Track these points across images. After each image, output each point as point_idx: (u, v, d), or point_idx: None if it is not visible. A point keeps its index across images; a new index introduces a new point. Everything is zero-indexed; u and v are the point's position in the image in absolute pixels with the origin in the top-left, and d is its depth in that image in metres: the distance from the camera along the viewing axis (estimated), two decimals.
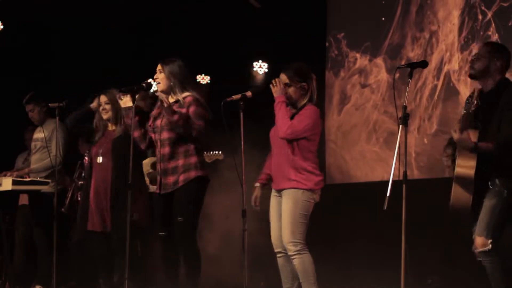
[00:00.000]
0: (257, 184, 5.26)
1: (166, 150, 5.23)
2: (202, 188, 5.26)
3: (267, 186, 5.26)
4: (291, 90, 5.08)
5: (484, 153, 4.51)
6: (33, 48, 8.78)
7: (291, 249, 4.96)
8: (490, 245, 4.49)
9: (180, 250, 5.22)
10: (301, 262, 4.96)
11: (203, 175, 5.23)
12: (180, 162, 5.20)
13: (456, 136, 4.54)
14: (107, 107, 6.00)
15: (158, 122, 5.27)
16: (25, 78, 8.52)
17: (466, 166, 4.57)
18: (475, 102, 4.60)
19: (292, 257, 4.98)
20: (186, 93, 5.26)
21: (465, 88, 7.18)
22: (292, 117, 5.06)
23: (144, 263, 6.32)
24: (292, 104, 5.11)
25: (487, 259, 4.53)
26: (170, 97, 5.27)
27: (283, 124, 4.96)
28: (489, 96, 4.67)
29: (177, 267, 5.32)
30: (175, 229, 5.19)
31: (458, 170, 4.60)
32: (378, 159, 8.01)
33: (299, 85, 5.07)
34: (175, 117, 5.05)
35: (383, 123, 8.02)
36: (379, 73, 8.12)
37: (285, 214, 4.99)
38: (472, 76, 4.75)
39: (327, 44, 8.63)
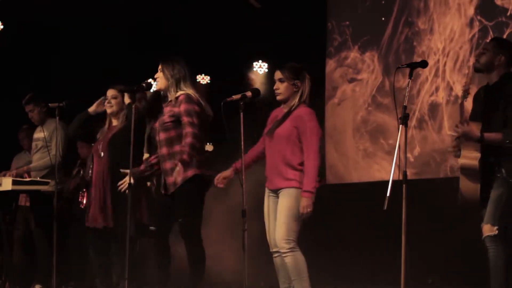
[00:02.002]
0: (232, 168, 5.23)
1: (164, 150, 5.26)
2: (201, 187, 5.25)
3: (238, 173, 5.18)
4: (283, 86, 5.10)
5: (492, 143, 4.60)
6: (33, 48, 8.78)
7: (284, 246, 4.97)
8: (497, 231, 4.54)
9: (186, 250, 5.25)
10: (294, 259, 4.97)
11: (201, 174, 5.22)
12: (178, 162, 5.21)
13: (460, 129, 4.63)
14: (113, 101, 5.99)
15: (156, 123, 5.31)
16: (25, 78, 8.52)
17: (470, 157, 4.71)
18: (468, 92, 4.71)
19: (285, 255, 4.98)
20: (180, 92, 5.27)
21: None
22: (284, 117, 5.06)
23: (142, 262, 6.34)
24: (284, 101, 5.13)
25: (492, 246, 4.60)
26: (168, 96, 5.30)
27: (314, 172, 4.96)
28: (493, 89, 4.77)
29: (169, 263, 5.33)
30: (179, 230, 5.22)
31: (463, 161, 4.74)
32: (371, 156, 8.03)
33: (292, 82, 5.09)
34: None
35: (375, 120, 8.04)
36: (374, 71, 8.14)
37: (281, 212, 5.01)
38: (477, 69, 4.86)
39: (329, 26, 8.63)
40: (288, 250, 4.97)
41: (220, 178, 5.22)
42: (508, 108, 4.62)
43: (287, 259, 4.98)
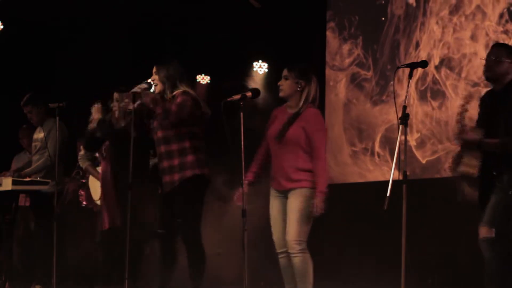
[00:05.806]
0: (245, 182, 5.13)
1: (162, 149, 5.25)
2: (200, 187, 5.24)
3: (254, 184, 5.20)
4: (287, 83, 5.09)
5: (489, 148, 4.62)
6: (33, 48, 8.78)
7: (295, 247, 4.94)
8: (494, 235, 4.54)
9: (186, 250, 5.24)
10: (303, 261, 4.95)
11: (200, 174, 5.22)
12: (176, 161, 5.20)
13: (460, 136, 4.70)
14: (114, 105, 6.00)
15: (155, 122, 5.30)
16: (25, 78, 8.52)
17: (469, 165, 4.73)
18: (465, 112, 4.77)
19: (294, 256, 4.95)
20: (177, 90, 5.27)
21: (453, 92, 7.23)
22: (292, 119, 5.04)
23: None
24: (286, 98, 5.11)
25: (488, 249, 4.58)
26: (164, 98, 5.30)
27: (325, 172, 4.99)
28: (499, 95, 4.76)
29: (174, 265, 5.33)
30: (178, 231, 5.20)
31: (463, 169, 4.78)
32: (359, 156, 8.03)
33: (295, 80, 5.08)
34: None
35: (366, 117, 8.05)
36: (370, 70, 8.16)
37: (292, 212, 4.96)
38: (489, 79, 4.84)
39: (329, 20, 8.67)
40: (298, 252, 4.94)
41: (238, 196, 5.08)
42: (510, 115, 4.61)
43: (296, 259, 4.95)
